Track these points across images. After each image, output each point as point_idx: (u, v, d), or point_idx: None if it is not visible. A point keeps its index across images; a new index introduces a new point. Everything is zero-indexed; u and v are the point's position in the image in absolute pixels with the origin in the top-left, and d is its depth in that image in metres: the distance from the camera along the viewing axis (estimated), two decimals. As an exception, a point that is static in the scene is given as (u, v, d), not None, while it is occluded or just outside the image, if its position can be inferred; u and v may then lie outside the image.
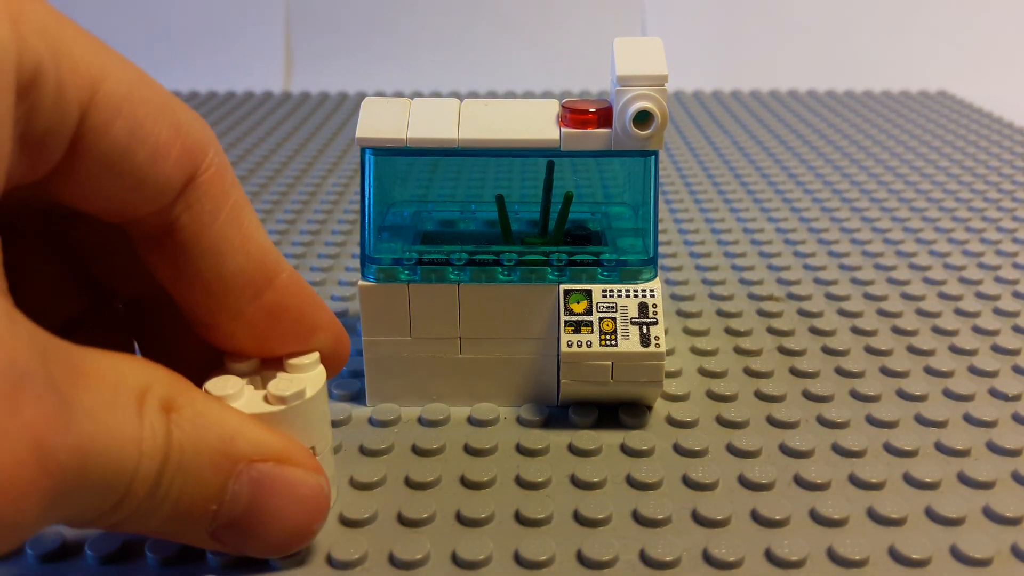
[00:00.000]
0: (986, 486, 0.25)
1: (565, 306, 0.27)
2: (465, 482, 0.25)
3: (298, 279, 0.22)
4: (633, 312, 0.27)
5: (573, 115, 0.27)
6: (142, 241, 0.20)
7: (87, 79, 0.17)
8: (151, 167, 0.18)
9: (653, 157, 0.27)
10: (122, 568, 0.22)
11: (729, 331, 0.34)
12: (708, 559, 0.23)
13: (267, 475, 0.20)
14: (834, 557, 0.23)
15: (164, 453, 0.18)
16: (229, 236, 0.20)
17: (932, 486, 0.25)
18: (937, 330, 0.34)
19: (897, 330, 0.34)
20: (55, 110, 0.16)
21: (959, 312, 0.35)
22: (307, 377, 0.23)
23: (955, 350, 0.33)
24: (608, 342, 0.27)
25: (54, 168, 0.18)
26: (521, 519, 0.24)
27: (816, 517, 0.24)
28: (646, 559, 0.22)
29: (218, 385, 0.22)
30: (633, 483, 0.25)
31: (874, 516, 0.24)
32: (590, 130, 0.27)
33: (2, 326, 0.15)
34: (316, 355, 0.23)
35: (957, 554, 0.23)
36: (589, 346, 0.27)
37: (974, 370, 0.31)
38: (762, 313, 0.35)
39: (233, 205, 0.20)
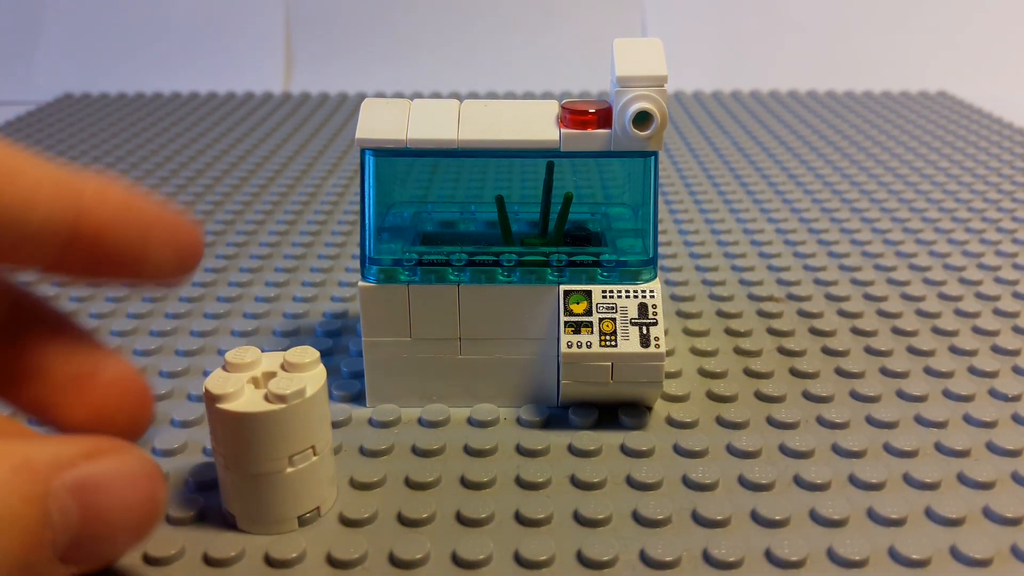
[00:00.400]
0: (986, 486, 0.25)
1: (565, 307, 0.27)
2: (465, 482, 0.25)
3: (106, 184, 0.20)
4: (633, 313, 0.27)
5: (573, 116, 0.27)
6: None
7: None
8: None
9: (653, 158, 0.28)
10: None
11: (729, 332, 0.34)
12: (708, 559, 0.23)
13: (83, 477, 0.18)
14: (834, 557, 0.23)
15: None
16: (13, 195, 0.18)
17: (932, 486, 0.25)
18: (937, 331, 0.34)
19: (897, 331, 0.34)
20: None
21: (959, 312, 0.35)
22: (307, 376, 0.23)
23: (955, 351, 0.33)
24: (608, 343, 0.27)
25: None
26: (521, 519, 0.24)
27: (816, 517, 0.24)
28: (646, 559, 0.22)
29: (218, 384, 0.22)
30: (633, 483, 0.25)
31: (874, 516, 0.24)
32: (590, 131, 0.27)
33: None
34: (316, 354, 0.23)
35: (957, 554, 0.23)
36: (589, 347, 0.27)
37: (974, 371, 0.31)
38: (762, 314, 0.35)
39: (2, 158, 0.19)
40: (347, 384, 0.30)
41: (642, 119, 0.26)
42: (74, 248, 0.20)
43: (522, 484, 0.25)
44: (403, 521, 0.24)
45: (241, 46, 0.83)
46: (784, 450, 0.27)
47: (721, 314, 0.35)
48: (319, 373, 0.23)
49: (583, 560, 0.23)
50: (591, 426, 0.28)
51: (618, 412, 0.28)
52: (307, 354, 0.23)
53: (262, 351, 0.24)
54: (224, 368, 0.23)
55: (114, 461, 0.19)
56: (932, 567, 0.22)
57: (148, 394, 0.21)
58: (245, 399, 0.22)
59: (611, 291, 0.28)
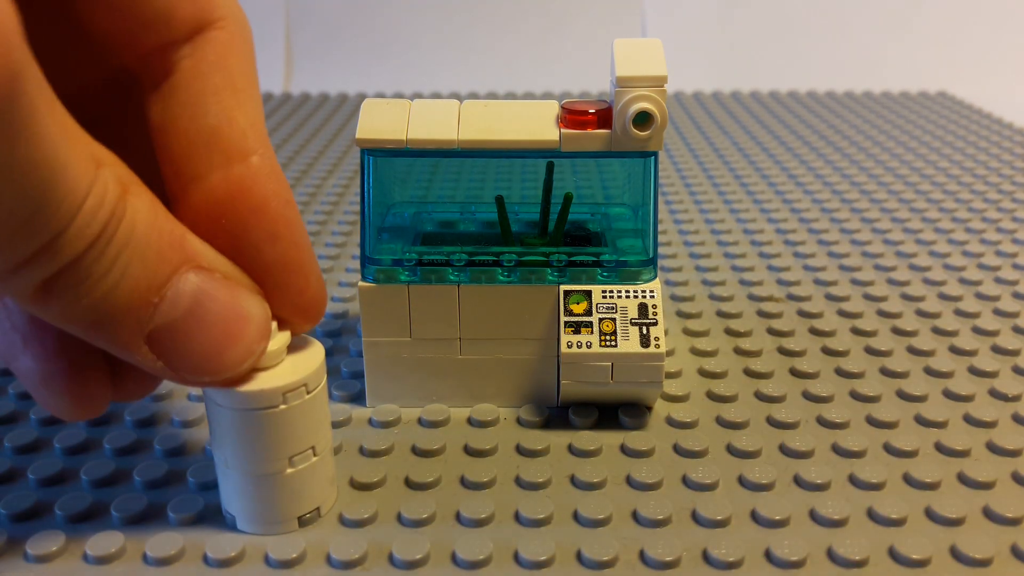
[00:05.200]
0: (986, 486, 0.25)
1: (565, 307, 0.27)
2: (465, 482, 0.25)
3: (274, 169, 0.22)
4: (633, 313, 0.27)
5: (573, 116, 0.27)
6: (144, 84, 0.20)
7: None
8: None
9: (653, 158, 0.28)
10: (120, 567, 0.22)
11: (729, 332, 0.34)
12: (708, 559, 0.23)
13: (212, 282, 0.19)
14: (834, 557, 0.23)
15: (112, 214, 0.17)
16: (219, 94, 0.20)
17: (932, 486, 0.25)
18: (937, 331, 0.34)
19: (897, 331, 0.34)
20: None
21: (959, 313, 0.35)
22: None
23: (955, 351, 0.33)
24: (608, 343, 0.27)
25: None
26: (521, 519, 0.24)
27: (816, 517, 0.24)
28: (646, 559, 0.22)
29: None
30: (633, 483, 0.25)
31: (874, 516, 0.24)
32: (590, 131, 0.27)
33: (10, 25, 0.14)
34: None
35: (957, 554, 0.23)
36: (589, 347, 0.27)
37: (974, 371, 0.31)
38: (762, 314, 0.35)
39: (238, 72, 0.20)
40: (347, 384, 0.30)
41: (642, 119, 0.26)
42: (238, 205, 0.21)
43: (522, 484, 0.25)
44: (403, 521, 0.24)
45: (241, 46, 0.83)
46: (784, 450, 0.27)
47: (721, 314, 0.35)
48: (319, 372, 0.23)
49: (583, 560, 0.23)
50: (591, 426, 0.28)
51: (618, 412, 0.28)
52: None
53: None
54: None
55: (242, 292, 0.20)
56: (932, 567, 0.22)
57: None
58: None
59: (611, 291, 0.28)
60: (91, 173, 0.17)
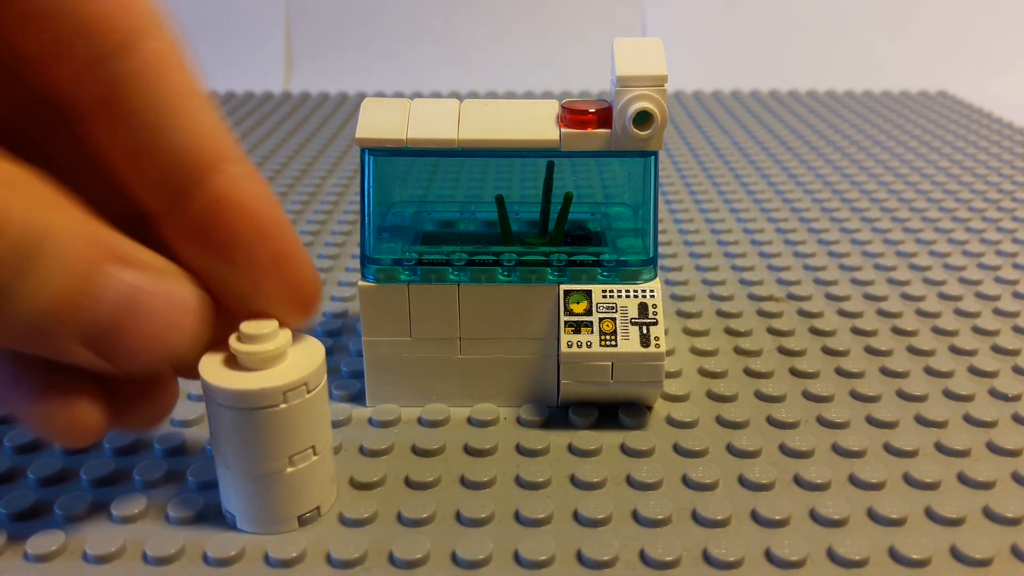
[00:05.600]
0: (986, 486, 0.25)
1: (565, 306, 0.27)
2: (465, 482, 0.25)
3: (251, 171, 0.21)
4: (633, 312, 0.27)
5: (573, 115, 0.27)
6: (86, 118, 0.20)
7: None
8: (85, 8, 0.19)
9: (653, 157, 0.27)
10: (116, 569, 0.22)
11: (729, 331, 0.34)
12: (708, 559, 0.23)
13: (140, 275, 0.19)
14: (834, 557, 0.23)
15: (22, 231, 0.17)
16: (175, 108, 0.20)
17: (932, 486, 0.25)
18: (937, 330, 0.34)
19: (897, 330, 0.34)
20: None
21: (959, 312, 0.35)
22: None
23: (955, 350, 0.33)
24: (608, 342, 0.27)
25: None
26: (521, 519, 0.24)
27: (816, 517, 0.24)
28: (646, 559, 0.22)
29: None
30: (633, 483, 0.25)
31: (874, 516, 0.24)
32: (590, 130, 0.27)
33: None
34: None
35: (957, 554, 0.23)
36: (589, 346, 0.27)
37: (974, 370, 0.31)
38: (762, 313, 0.35)
39: (183, 81, 0.20)
40: (347, 384, 0.30)
41: (642, 119, 0.26)
42: (192, 199, 0.20)
43: (522, 484, 0.25)
44: (403, 521, 0.24)
45: (241, 46, 0.83)
46: (784, 450, 0.27)
47: (721, 314, 0.35)
48: (319, 371, 0.23)
49: (583, 560, 0.22)
50: (591, 426, 0.28)
51: (618, 412, 0.28)
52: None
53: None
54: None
55: (171, 286, 0.20)
56: (932, 567, 0.22)
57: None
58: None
59: (611, 291, 0.28)
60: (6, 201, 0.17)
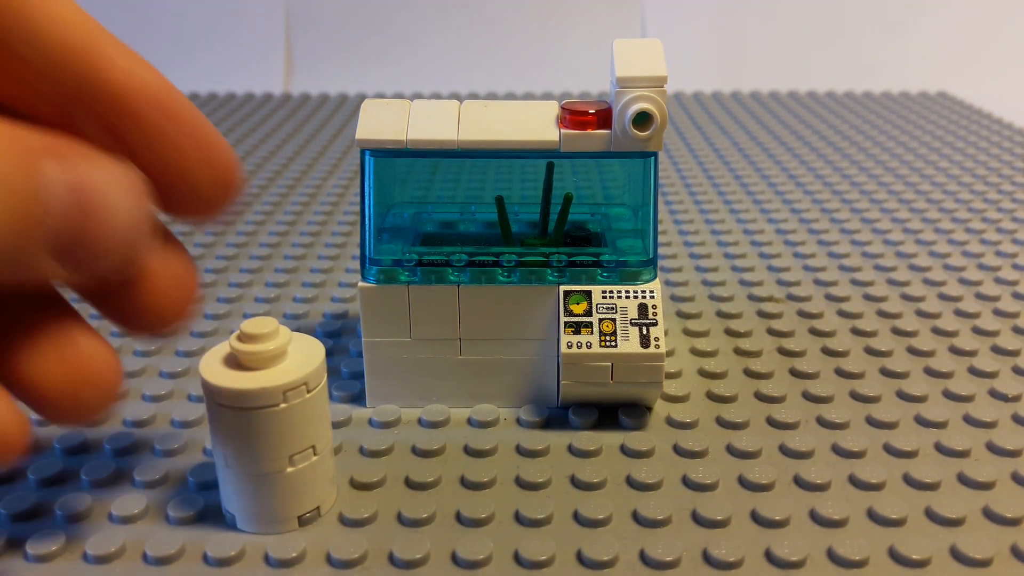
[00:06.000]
0: (986, 486, 0.25)
1: (565, 307, 0.27)
2: (465, 482, 0.25)
3: (137, 60, 0.20)
4: (633, 313, 0.27)
5: (573, 116, 0.27)
6: None
7: None
8: None
9: (653, 158, 0.28)
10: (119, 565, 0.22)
11: (729, 332, 0.34)
12: (708, 559, 0.23)
13: (77, 165, 0.18)
14: (834, 557, 0.23)
15: None
16: (33, 12, 0.18)
17: (932, 486, 0.25)
18: (937, 331, 0.34)
19: (897, 331, 0.34)
20: None
21: (959, 313, 0.35)
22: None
23: (955, 351, 0.33)
24: (608, 343, 0.27)
25: None
26: (521, 519, 0.24)
27: (816, 517, 0.24)
28: (646, 559, 0.22)
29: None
30: (633, 483, 0.25)
31: (874, 516, 0.24)
32: (590, 131, 0.27)
33: None
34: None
35: (957, 554, 0.23)
36: (589, 347, 0.27)
37: (974, 371, 0.31)
38: (762, 314, 0.35)
39: None
40: (347, 384, 0.30)
41: (642, 119, 0.26)
42: (88, 99, 0.19)
43: (522, 484, 0.25)
44: (403, 521, 0.24)
45: (241, 46, 0.83)
46: (784, 450, 0.27)
47: (721, 314, 0.35)
48: (319, 371, 0.23)
49: (583, 560, 0.23)
50: (591, 426, 0.28)
51: (618, 412, 0.28)
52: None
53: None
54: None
55: (109, 166, 0.18)
56: (932, 567, 0.22)
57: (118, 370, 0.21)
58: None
59: (611, 291, 0.28)
60: None
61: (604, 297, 0.27)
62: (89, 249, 0.18)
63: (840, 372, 0.31)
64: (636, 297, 0.27)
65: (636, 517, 0.24)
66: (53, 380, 0.20)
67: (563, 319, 0.27)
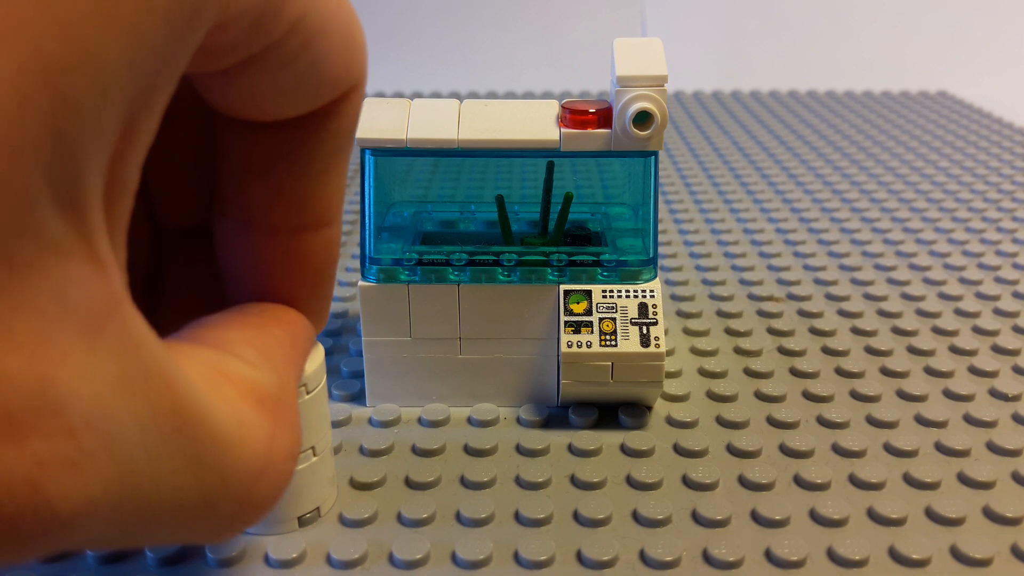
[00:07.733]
0: (986, 486, 0.25)
1: (565, 306, 0.27)
2: (465, 482, 0.25)
3: (334, 237, 0.20)
4: (633, 312, 0.27)
5: (573, 115, 0.27)
6: (250, 136, 0.18)
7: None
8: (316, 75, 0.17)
9: (653, 157, 0.27)
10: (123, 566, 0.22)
11: (729, 331, 0.34)
12: (708, 559, 0.23)
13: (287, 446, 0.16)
14: (834, 557, 0.23)
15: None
16: (330, 156, 0.19)
17: (932, 486, 0.25)
18: (937, 330, 0.34)
19: (897, 330, 0.34)
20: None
21: (959, 312, 0.35)
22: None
23: (955, 350, 0.33)
24: (608, 342, 0.27)
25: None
26: (521, 519, 0.24)
27: (816, 517, 0.24)
28: (646, 559, 0.22)
29: None
30: (633, 483, 0.25)
31: (874, 516, 0.24)
32: (590, 130, 0.27)
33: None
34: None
35: (957, 554, 0.23)
36: (589, 346, 0.27)
37: (974, 370, 0.31)
38: (762, 313, 0.35)
39: (351, 133, 0.19)
40: (347, 384, 0.30)
41: (642, 119, 0.26)
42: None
43: (522, 484, 0.25)
44: (403, 521, 0.24)
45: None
46: (784, 450, 0.27)
47: (721, 314, 0.35)
48: (319, 371, 0.23)
49: (583, 560, 0.22)
50: (591, 426, 0.28)
51: (618, 412, 0.28)
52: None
53: None
54: None
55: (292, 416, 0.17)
56: (932, 567, 0.22)
57: None
58: None
59: (611, 291, 0.28)
60: None
61: (604, 296, 0.27)
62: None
63: (840, 371, 0.31)
64: (636, 296, 0.27)
65: (636, 517, 0.24)
66: None
67: (563, 318, 0.27)
